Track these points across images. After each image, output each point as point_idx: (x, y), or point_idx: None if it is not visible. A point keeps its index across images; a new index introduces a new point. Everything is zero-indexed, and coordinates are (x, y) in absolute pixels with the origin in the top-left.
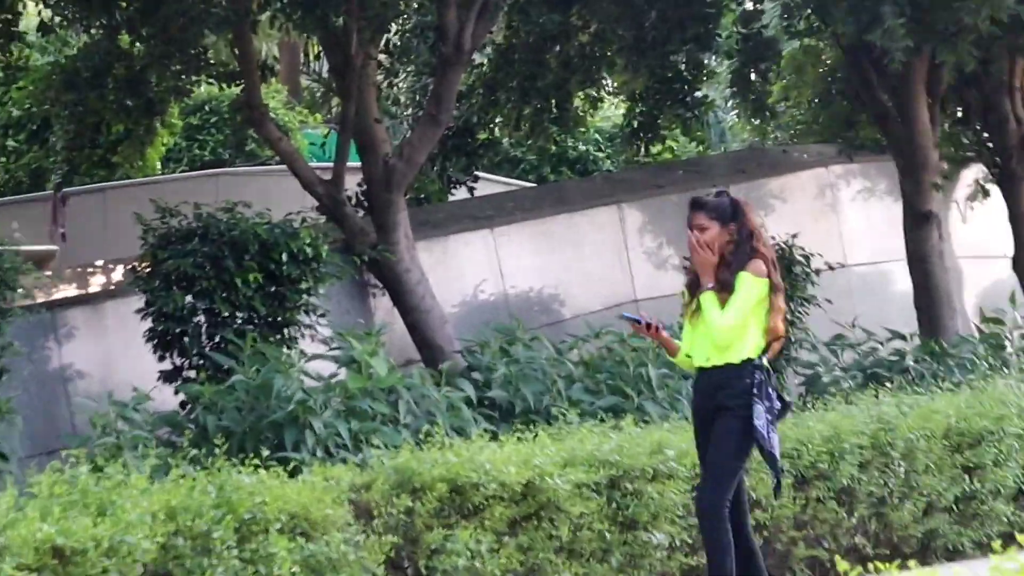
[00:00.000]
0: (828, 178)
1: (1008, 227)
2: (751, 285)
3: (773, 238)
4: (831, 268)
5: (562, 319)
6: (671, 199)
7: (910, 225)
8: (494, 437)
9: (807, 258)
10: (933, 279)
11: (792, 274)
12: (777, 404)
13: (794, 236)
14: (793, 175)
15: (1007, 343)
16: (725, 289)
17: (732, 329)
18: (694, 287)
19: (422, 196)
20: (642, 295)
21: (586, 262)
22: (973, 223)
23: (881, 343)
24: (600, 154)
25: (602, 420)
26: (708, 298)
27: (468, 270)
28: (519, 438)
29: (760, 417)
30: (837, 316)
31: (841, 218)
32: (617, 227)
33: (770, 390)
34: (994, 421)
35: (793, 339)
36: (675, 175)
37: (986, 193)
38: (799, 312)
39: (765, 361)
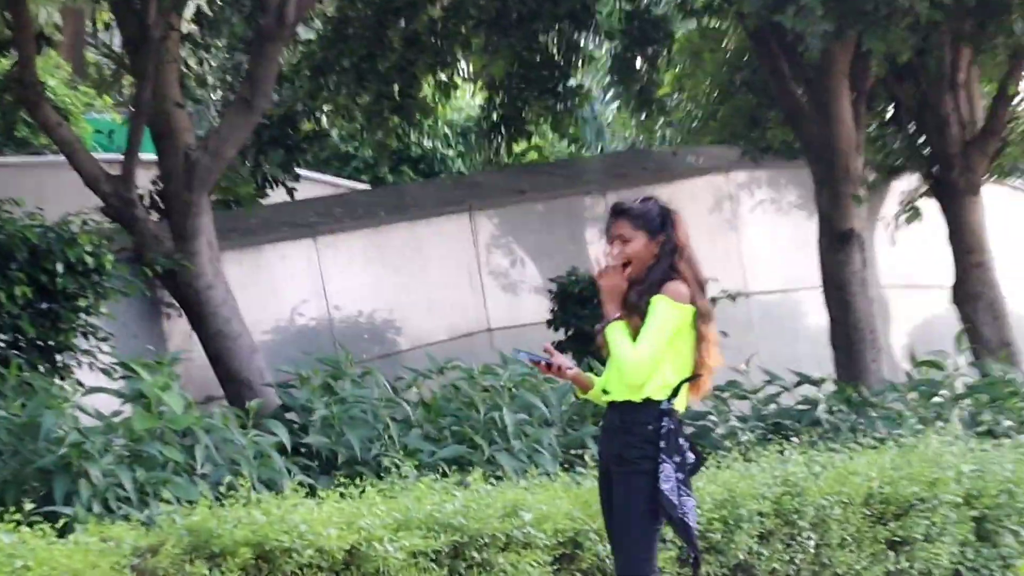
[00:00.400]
0: (727, 187)
1: (945, 251)
2: (666, 311)
3: None
4: (730, 298)
5: (399, 350)
6: (536, 207)
7: (827, 246)
8: (311, 492)
9: None
10: (853, 312)
11: None
12: (690, 457)
13: None
14: (684, 182)
15: (943, 391)
16: (636, 314)
17: (644, 365)
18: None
19: (231, 198)
20: (497, 323)
21: (430, 282)
22: (903, 246)
23: (787, 388)
24: (450, 152)
25: (444, 474)
26: (617, 328)
27: (285, 288)
28: (342, 494)
29: (668, 479)
30: (734, 355)
31: (742, 236)
32: (468, 240)
33: (680, 440)
34: (926, 486)
35: None
36: (541, 179)
37: (915, 213)
38: None
39: (676, 405)
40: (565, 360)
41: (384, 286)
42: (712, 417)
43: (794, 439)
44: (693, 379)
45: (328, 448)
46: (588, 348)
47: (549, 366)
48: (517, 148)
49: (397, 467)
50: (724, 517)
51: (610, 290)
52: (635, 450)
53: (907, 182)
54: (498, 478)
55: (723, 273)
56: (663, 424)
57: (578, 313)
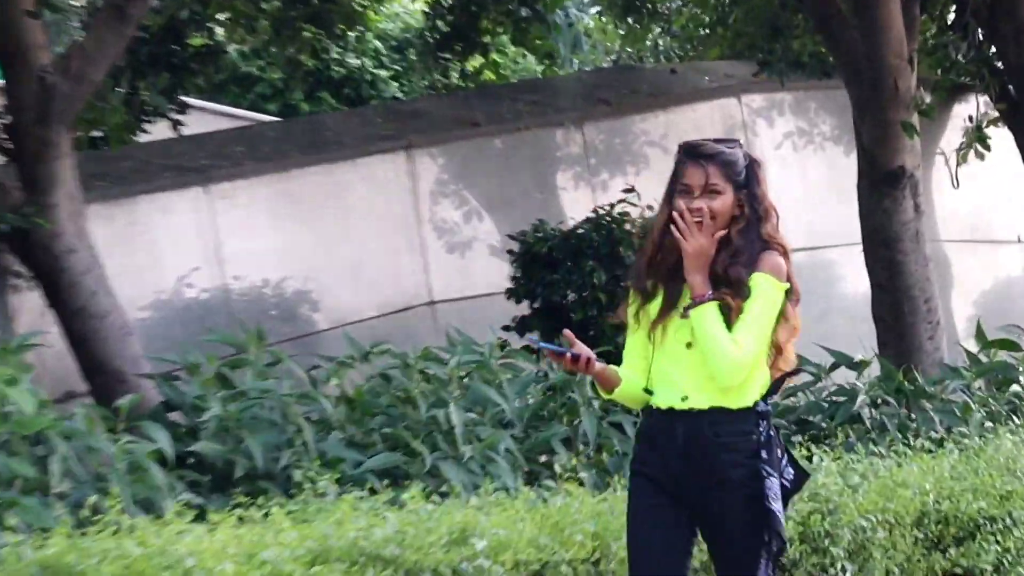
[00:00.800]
0: (741, 115)
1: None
2: (773, 292)
3: (651, 210)
4: None
5: (315, 330)
6: (493, 144)
7: (869, 190)
8: (201, 515)
9: None
10: (904, 275)
11: None
12: (789, 473)
13: None
14: (686, 109)
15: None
16: (737, 295)
17: (748, 363)
18: (656, 285)
19: (98, 135)
20: (443, 294)
21: (356, 242)
22: (968, 189)
23: (816, 374)
24: (383, 72)
25: (373, 490)
26: (706, 312)
27: (168, 252)
28: (241, 517)
29: (778, 498)
30: None
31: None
32: (406, 187)
33: (779, 452)
34: (997, 502)
35: None
36: (500, 107)
37: (983, 142)
38: None
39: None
40: (589, 351)
41: (297, 248)
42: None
43: (826, 441)
44: (791, 374)
45: (223, 458)
46: (559, 324)
47: (575, 359)
48: (470, 66)
49: (312, 482)
50: None
51: (698, 257)
52: (738, 467)
53: (973, 106)
54: (443, 494)
55: None
56: (763, 430)
57: (546, 279)
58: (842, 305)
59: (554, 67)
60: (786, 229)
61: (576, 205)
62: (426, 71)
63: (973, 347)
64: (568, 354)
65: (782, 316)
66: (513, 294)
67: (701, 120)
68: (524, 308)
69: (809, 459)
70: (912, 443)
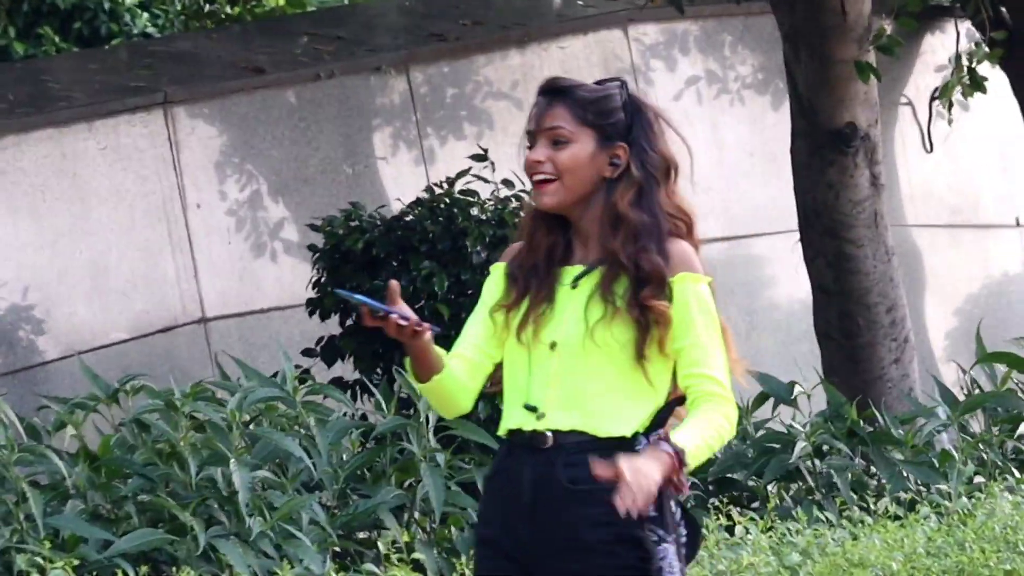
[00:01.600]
0: (628, 52)
1: (1022, 161)
2: (706, 295)
3: (509, 186)
4: None
5: (40, 360)
6: (283, 97)
7: (808, 156)
8: None
9: None
10: (858, 275)
11: None
12: (683, 533)
13: None
14: (550, 46)
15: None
16: (658, 294)
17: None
18: (538, 272)
19: None
20: (218, 308)
21: (96, 237)
22: (949, 154)
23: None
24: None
25: None
26: (694, 456)
27: None
28: None
29: (671, 570)
30: None
31: None
32: (165, 159)
33: (674, 505)
34: None
35: None
36: (293, 45)
37: (977, 85)
38: None
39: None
40: (410, 312)
41: (12, 247)
42: None
43: (752, 504)
44: (676, 401)
45: None
46: (383, 348)
47: (402, 324)
48: None
49: (42, 571)
50: None
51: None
52: (607, 529)
53: (951, 38)
54: None
55: None
56: None
57: (362, 286)
58: (772, 318)
59: None
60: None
61: (402, 181)
62: None
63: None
64: (394, 315)
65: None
66: (317, 307)
67: (572, 61)
68: (333, 325)
69: (730, 530)
70: (872, 506)
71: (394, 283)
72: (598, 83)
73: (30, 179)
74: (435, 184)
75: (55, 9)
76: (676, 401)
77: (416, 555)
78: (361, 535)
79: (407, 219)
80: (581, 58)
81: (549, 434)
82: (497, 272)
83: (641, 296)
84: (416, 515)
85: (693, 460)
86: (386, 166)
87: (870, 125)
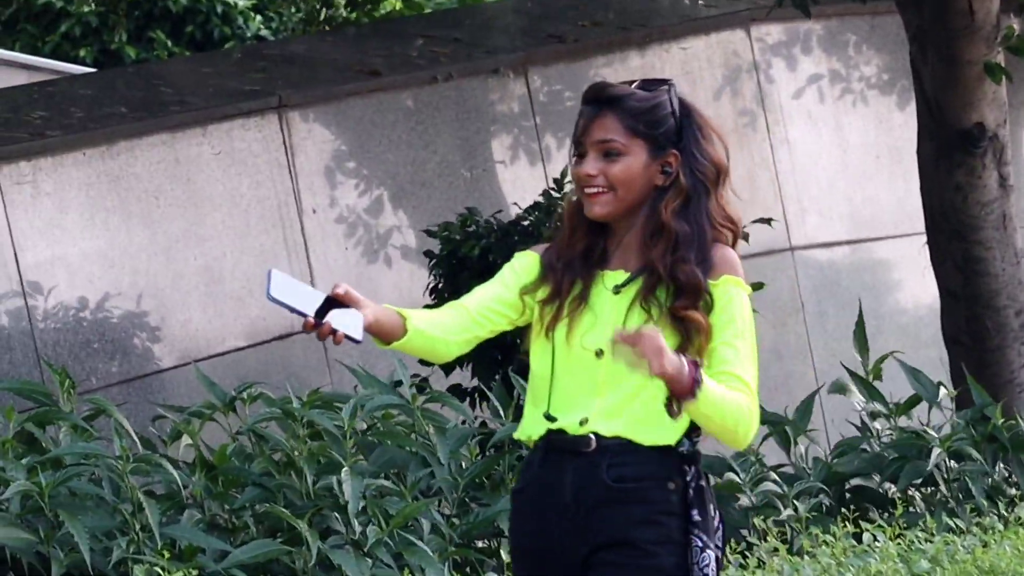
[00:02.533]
0: (751, 52)
1: None
2: (746, 302)
3: None
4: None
5: (155, 368)
6: (400, 100)
7: (935, 158)
8: None
9: None
10: (986, 278)
11: None
12: (720, 541)
13: None
14: (673, 46)
15: None
16: (693, 305)
17: (755, 405)
18: (576, 269)
19: None
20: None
21: (210, 243)
22: None
23: (887, 412)
24: (241, 3)
25: None
26: (707, 391)
27: None
28: None
29: (709, 563)
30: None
31: (778, 141)
32: (280, 164)
33: (712, 507)
34: None
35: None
36: (409, 48)
37: None
38: None
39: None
40: (360, 302)
41: (126, 253)
42: (732, 475)
43: (880, 510)
44: None
45: (32, 550)
46: (503, 355)
47: (317, 324)
48: None
49: None
50: None
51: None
52: (653, 527)
53: None
54: None
55: (744, 209)
56: (690, 479)
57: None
58: (898, 323)
59: None
60: (814, 214)
61: (519, 185)
62: (304, 1)
63: None
64: (308, 318)
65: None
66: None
67: (693, 61)
68: None
69: (858, 537)
70: (1006, 513)
71: (338, 288)
72: (644, 84)
73: (144, 184)
74: (552, 187)
75: (167, 13)
76: None
77: None
78: (480, 544)
79: (524, 223)
80: (703, 58)
81: (592, 437)
82: (530, 259)
83: (676, 306)
84: None
85: (706, 393)
86: (504, 170)
87: (998, 125)
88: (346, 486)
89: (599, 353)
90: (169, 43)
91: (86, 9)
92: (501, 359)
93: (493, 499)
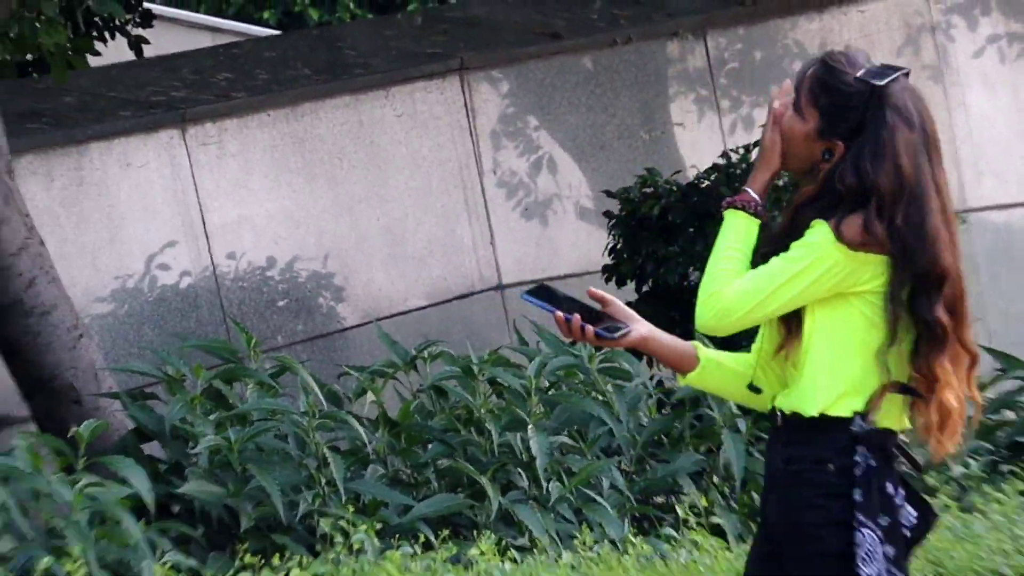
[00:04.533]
0: (929, 12)
1: None
2: (816, 246)
3: None
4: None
5: (339, 327)
6: (580, 63)
7: None
8: None
9: None
10: None
11: None
12: (909, 515)
13: None
14: (850, 9)
15: None
16: (783, 245)
17: (733, 308)
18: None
19: (32, 59)
20: (515, 274)
21: (393, 205)
22: None
23: None
24: None
25: (429, 544)
26: (730, 220)
27: (133, 221)
28: None
29: (872, 558)
30: None
31: (956, 104)
32: (460, 125)
33: (890, 487)
34: None
35: None
36: (590, 10)
37: None
38: None
39: (880, 423)
40: (622, 310)
41: (311, 214)
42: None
43: None
44: (911, 392)
45: (222, 503)
46: (680, 313)
47: (567, 321)
48: None
49: (345, 534)
50: None
51: (769, 147)
52: (812, 511)
53: None
54: (522, 550)
55: None
56: (856, 459)
57: (659, 253)
58: None
59: None
60: (994, 177)
61: (699, 147)
62: None
63: None
64: (558, 313)
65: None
66: (613, 273)
67: (872, 24)
68: (629, 292)
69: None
70: None
71: (592, 291)
72: (886, 67)
73: (327, 146)
74: (732, 150)
75: None
76: (882, 389)
77: (715, 519)
78: (659, 500)
79: (703, 185)
80: (881, 20)
81: (779, 413)
82: None
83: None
84: (715, 480)
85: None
86: (683, 132)
87: None
88: (533, 443)
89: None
90: (351, 5)
91: None
92: (678, 319)
93: (672, 456)
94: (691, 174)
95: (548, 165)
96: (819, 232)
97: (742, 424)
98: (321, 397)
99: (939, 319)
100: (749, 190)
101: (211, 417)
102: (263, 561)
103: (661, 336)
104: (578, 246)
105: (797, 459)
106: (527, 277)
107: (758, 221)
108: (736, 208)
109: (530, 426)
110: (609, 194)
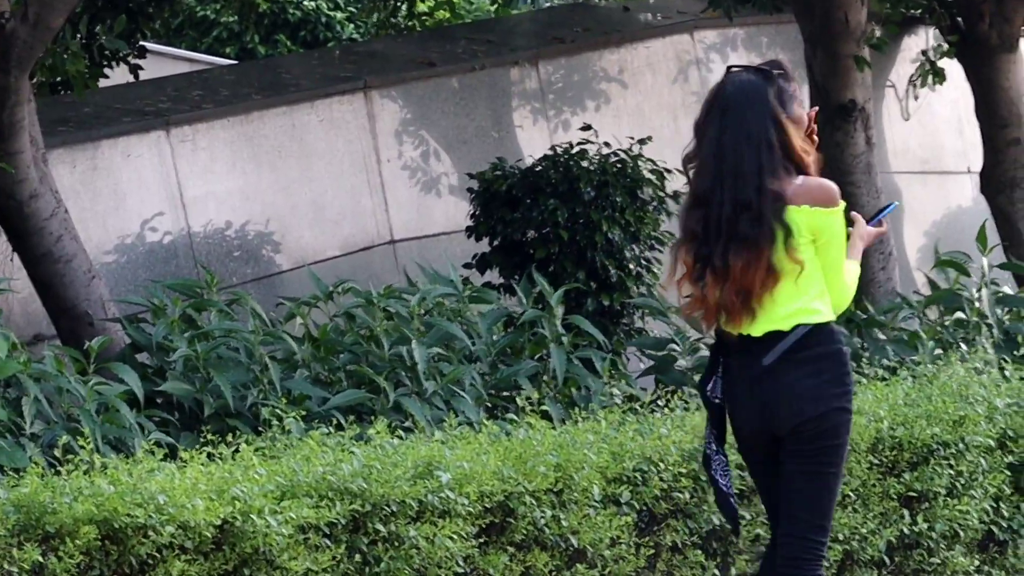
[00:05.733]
0: (694, 50)
1: (972, 126)
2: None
3: (607, 146)
4: None
5: (277, 270)
6: (449, 83)
7: (821, 124)
8: (171, 454)
9: (661, 175)
10: (856, 207)
11: (637, 201)
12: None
13: (642, 142)
14: (639, 46)
15: (970, 305)
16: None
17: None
18: None
19: (58, 80)
20: (403, 232)
21: (316, 183)
22: (919, 120)
23: None
24: (338, 14)
25: (340, 426)
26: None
27: (131, 195)
28: (210, 455)
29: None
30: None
31: None
32: (364, 128)
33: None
34: (950, 427)
35: (635, 302)
36: (455, 46)
37: (939, 75)
38: (647, 259)
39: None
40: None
41: (257, 190)
42: (675, 345)
43: None
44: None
45: (191, 397)
46: (520, 261)
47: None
48: (423, 5)
49: (279, 419)
50: (693, 472)
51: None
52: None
53: (923, 39)
54: (407, 430)
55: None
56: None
57: (506, 218)
58: None
59: (507, 7)
60: None
61: (534, 143)
62: (378, 11)
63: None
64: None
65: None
66: (473, 232)
67: (655, 57)
68: (484, 246)
69: None
70: (865, 372)
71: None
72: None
73: (270, 142)
74: (557, 145)
75: (287, 22)
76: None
77: (544, 407)
78: (505, 394)
79: (537, 169)
80: (659, 55)
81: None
82: None
83: None
84: (545, 379)
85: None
86: (521, 133)
87: (865, 101)
88: (416, 353)
89: None
90: (289, 43)
91: (230, 18)
92: (518, 263)
93: (515, 362)
94: (528, 161)
95: (427, 156)
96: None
97: (565, 340)
98: (264, 319)
99: None
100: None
101: (185, 335)
102: (220, 439)
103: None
104: (448, 213)
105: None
106: (411, 235)
107: None
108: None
109: (413, 341)
110: (471, 175)
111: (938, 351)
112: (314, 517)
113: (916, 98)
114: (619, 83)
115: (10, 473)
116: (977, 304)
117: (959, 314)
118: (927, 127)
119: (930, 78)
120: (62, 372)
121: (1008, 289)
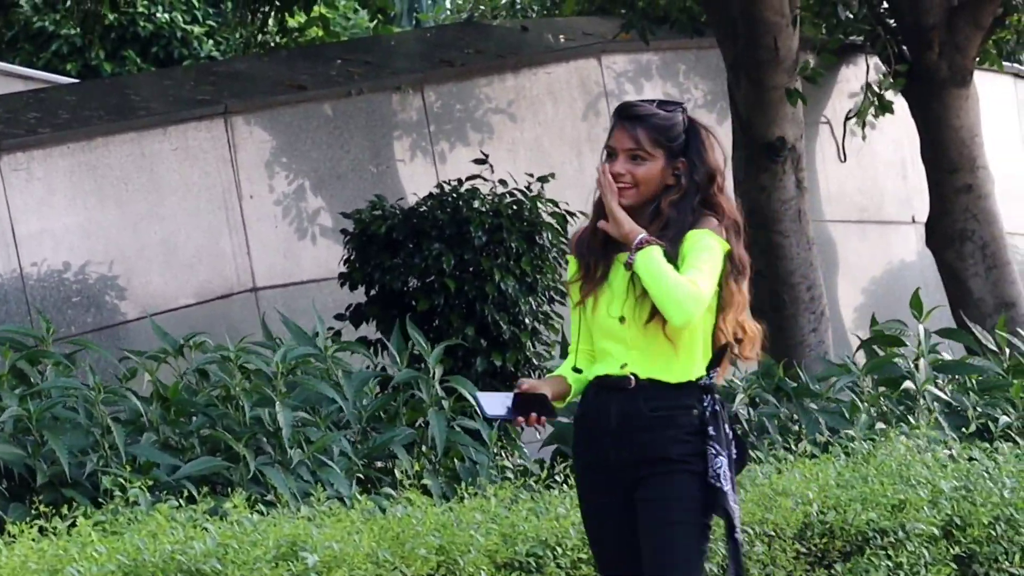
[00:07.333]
0: (602, 77)
1: (918, 170)
2: (714, 244)
3: (504, 185)
4: None
5: (122, 319)
6: (321, 110)
7: (745, 164)
8: None
9: (562, 219)
10: (785, 260)
11: (535, 247)
12: (734, 451)
13: (542, 180)
14: (539, 71)
15: (911, 375)
16: (673, 261)
17: (706, 300)
18: (597, 253)
19: None
20: (267, 279)
21: (168, 220)
22: (858, 162)
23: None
24: (195, 29)
25: (191, 499)
26: (651, 254)
27: None
28: (42, 529)
29: (727, 479)
30: None
31: None
32: (224, 158)
33: (728, 428)
34: (888, 513)
35: (537, 362)
36: (329, 68)
37: (886, 107)
38: (545, 312)
39: (717, 379)
40: (531, 384)
41: (101, 228)
42: (563, 419)
43: None
44: (724, 348)
45: (22, 463)
46: (400, 314)
47: (526, 415)
48: (293, 22)
49: (123, 489)
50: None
51: (621, 215)
52: (682, 444)
53: (860, 71)
54: (269, 504)
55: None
56: (709, 404)
57: (384, 264)
58: None
59: (390, 24)
60: None
61: (417, 179)
62: (242, 27)
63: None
64: (518, 419)
65: (726, 291)
66: (347, 279)
67: (556, 84)
68: (360, 295)
69: None
70: (794, 447)
71: (522, 383)
72: (661, 104)
73: (116, 173)
74: (444, 182)
75: (137, 36)
76: (725, 347)
77: (424, 481)
78: (380, 464)
79: (421, 210)
80: (562, 82)
81: (632, 377)
82: (571, 262)
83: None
84: (424, 449)
85: (647, 260)
86: (404, 167)
87: (796, 139)
88: (279, 416)
89: (622, 319)
90: (138, 61)
91: (72, 31)
92: (398, 315)
93: (389, 429)
94: (411, 200)
95: (295, 191)
96: (706, 235)
97: (445, 404)
98: (109, 376)
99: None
100: (642, 233)
101: (16, 391)
102: (55, 511)
103: (557, 388)
104: (319, 257)
105: (664, 408)
106: (277, 282)
107: (663, 245)
108: (652, 244)
109: (276, 403)
110: (345, 215)
111: (877, 425)
112: None
113: (855, 136)
114: (515, 114)
115: None
116: (918, 374)
117: (903, 384)
118: (867, 170)
119: (871, 112)
120: None
121: (948, 355)
